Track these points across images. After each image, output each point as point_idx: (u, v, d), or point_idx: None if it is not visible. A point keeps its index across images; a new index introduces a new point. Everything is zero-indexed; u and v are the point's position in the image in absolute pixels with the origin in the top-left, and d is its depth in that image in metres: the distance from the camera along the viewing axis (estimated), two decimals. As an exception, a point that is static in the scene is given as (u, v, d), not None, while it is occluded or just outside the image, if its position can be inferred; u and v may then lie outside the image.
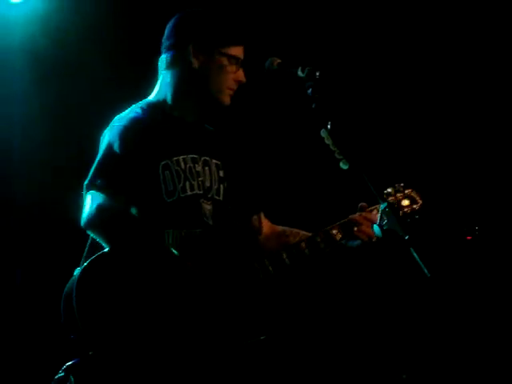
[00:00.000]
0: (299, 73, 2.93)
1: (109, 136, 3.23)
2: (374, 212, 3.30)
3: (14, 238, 5.31)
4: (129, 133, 3.21)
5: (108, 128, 3.28)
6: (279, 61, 3.10)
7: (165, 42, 3.38)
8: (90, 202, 3.12)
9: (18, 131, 5.35)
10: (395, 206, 3.32)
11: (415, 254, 2.65)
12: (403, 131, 5.26)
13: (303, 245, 3.28)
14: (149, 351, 2.98)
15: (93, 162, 3.24)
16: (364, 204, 3.32)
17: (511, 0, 5.14)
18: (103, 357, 2.96)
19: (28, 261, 5.29)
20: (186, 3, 3.45)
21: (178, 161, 3.27)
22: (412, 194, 3.39)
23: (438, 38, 5.26)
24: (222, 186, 3.37)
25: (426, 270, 2.63)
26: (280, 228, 3.54)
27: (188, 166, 3.29)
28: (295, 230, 3.50)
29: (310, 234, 3.38)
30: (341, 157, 2.81)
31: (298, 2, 5.31)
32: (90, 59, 5.23)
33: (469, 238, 3.53)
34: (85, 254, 3.20)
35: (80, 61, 5.25)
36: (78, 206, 3.20)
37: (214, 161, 3.37)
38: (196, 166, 3.31)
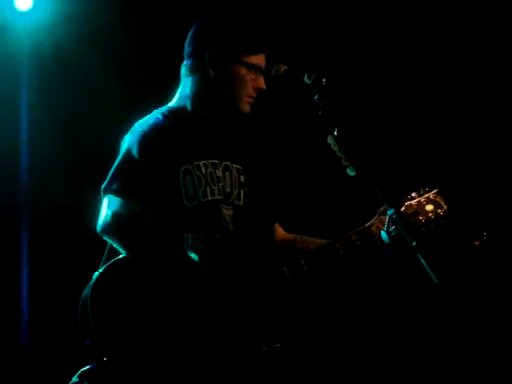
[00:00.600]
0: (305, 79, 2.93)
1: (128, 141, 3.24)
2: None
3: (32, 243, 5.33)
4: (148, 138, 3.22)
5: (128, 133, 3.29)
6: (285, 67, 3.10)
7: (186, 49, 3.39)
8: (106, 207, 3.14)
9: (24, 139, 5.37)
10: (419, 212, 3.31)
11: (423, 260, 2.64)
12: (410, 137, 5.24)
13: (322, 251, 3.29)
14: (164, 358, 2.99)
15: (104, 167, 3.25)
16: (384, 208, 3.27)
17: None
18: (117, 363, 2.97)
19: (45, 266, 5.30)
20: (194, 13, 3.45)
21: (198, 165, 3.27)
22: (437, 199, 3.34)
23: (445, 45, 5.25)
24: (242, 191, 3.37)
25: (434, 277, 2.62)
26: (292, 236, 3.55)
27: (209, 170, 3.29)
28: (305, 237, 3.51)
29: (320, 241, 3.40)
30: (348, 163, 2.81)
31: (303, 8, 5.31)
32: (97, 67, 5.25)
33: (477, 243, 3.50)
34: (104, 258, 3.21)
35: (87, 69, 5.26)
36: (93, 211, 3.21)
37: (234, 166, 3.38)
38: (217, 171, 3.31)
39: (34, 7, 5.30)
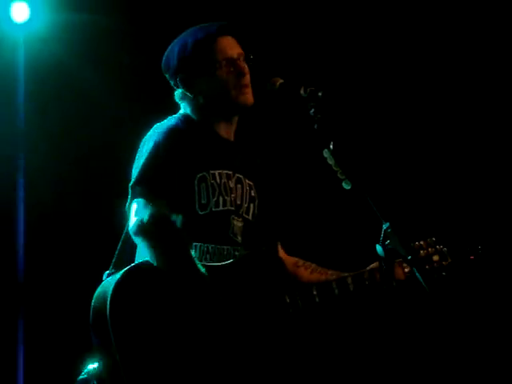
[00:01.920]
0: (301, 93, 2.93)
1: (153, 141, 3.18)
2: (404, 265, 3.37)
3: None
4: (170, 141, 3.19)
5: (149, 134, 3.24)
6: (281, 81, 3.09)
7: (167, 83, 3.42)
8: (138, 209, 3.07)
9: (21, 150, 5.37)
10: (426, 260, 3.41)
11: (418, 274, 2.65)
12: (405, 151, 5.25)
13: (334, 285, 3.30)
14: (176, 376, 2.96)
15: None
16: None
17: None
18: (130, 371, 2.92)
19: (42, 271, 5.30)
20: (190, 25, 3.45)
21: (214, 175, 3.26)
22: (443, 251, 3.46)
23: (440, 63, 5.27)
24: (252, 205, 3.37)
25: (429, 291, 2.62)
26: (293, 259, 3.54)
27: (223, 181, 3.28)
28: (307, 262, 3.51)
29: (323, 270, 3.43)
30: (343, 177, 2.81)
31: (299, 22, 5.33)
32: (92, 78, 5.25)
33: (472, 257, 3.52)
34: (114, 259, 3.20)
35: (83, 80, 5.27)
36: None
37: (247, 181, 3.37)
38: (230, 182, 3.30)
39: (31, 19, 5.32)
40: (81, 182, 5.18)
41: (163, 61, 3.41)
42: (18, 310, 5.28)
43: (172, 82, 3.39)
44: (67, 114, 5.28)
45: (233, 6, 5.03)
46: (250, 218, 3.36)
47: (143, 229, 3.04)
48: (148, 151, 3.17)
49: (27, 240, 5.33)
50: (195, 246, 3.19)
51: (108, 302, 2.93)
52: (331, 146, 2.83)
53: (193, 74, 3.30)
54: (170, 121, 3.30)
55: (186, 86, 3.33)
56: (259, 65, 3.38)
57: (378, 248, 2.83)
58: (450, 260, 3.46)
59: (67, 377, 3.41)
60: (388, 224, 2.75)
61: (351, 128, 4.83)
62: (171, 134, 3.21)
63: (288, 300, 3.19)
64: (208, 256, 3.19)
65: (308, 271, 3.44)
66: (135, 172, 3.15)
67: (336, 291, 3.29)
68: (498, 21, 5.17)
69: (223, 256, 3.23)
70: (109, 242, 3.41)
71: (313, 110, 2.86)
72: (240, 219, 3.31)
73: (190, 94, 3.33)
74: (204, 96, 3.31)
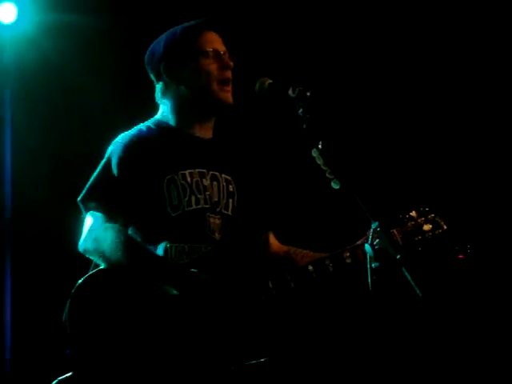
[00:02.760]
0: (290, 93, 2.92)
1: (109, 153, 3.24)
2: None
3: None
4: (128, 150, 3.21)
5: (110, 145, 3.28)
6: (270, 81, 3.09)
7: (152, 79, 3.43)
8: (87, 224, 3.13)
9: (8, 151, 5.35)
10: (415, 231, 3.31)
11: (407, 274, 2.64)
12: (394, 150, 5.26)
13: (310, 268, 3.23)
14: (142, 369, 2.96)
15: (87, 179, 3.24)
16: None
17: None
18: (95, 373, 2.94)
19: (28, 278, 5.28)
20: (177, 24, 3.46)
21: (184, 175, 3.26)
22: (436, 219, 3.35)
23: (432, 63, 5.28)
24: (230, 200, 3.35)
25: (417, 290, 2.62)
26: (286, 247, 3.52)
27: (195, 179, 3.28)
28: (299, 250, 3.48)
29: (314, 254, 3.37)
30: (332, 176, 2.81)
31: (288, 22, 5.33)
32: (81, 79, 5.24)
33: (461, 256, 3.51)
34: (90, 270, 3.17)
35: (71, 81, 5.25)
36: (76, 224, 3.20)
37: (223, 176, 3.36)
38: (204, 180, 3.30)
39: (18, 20, 5.30)
40: (68, 184, 5.15)
41: (147, 53, 3.43)
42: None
43: (153, 74, 3.40)
44: (55, 115, 5.27)
45: (221, 7, 5.03)
46: (230, 213, 3.34)
47: (87, 246, 3.11)
48: (101, 165, 3.23)
49: (14, 242, 5.32)
50: (171, 247, 3.18)
51: (67, 305, 2.99)
52: (320, 146, 2.83)
53: (178, 61, 3.33)
54: (134, 130, 3.31)
55: (170, 74, 3.34)
56: (246, 64, 3.39)
57: (367, 247, 2.83)
58: (445, 227, 3.35)
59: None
60: (377, 223, 2.76)
61: (340, 128, 4.83)
62: (131, 144, 3.23)
63: (260, 287, 3.16)
64: (184, 256, 3.19)
65: (299, 256, 3.41)
66: (87, 185, 3.20)
67: (313, 274, 3.22)
68: (498, 21, 5.18)
69: (200, 255, 3.22)
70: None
71: (301, 109, 2.86)
72: (218, 216, 3.29)
73: (172, 82, 3.33)
74: (186, 85, 3.32)
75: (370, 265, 2.73)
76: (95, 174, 3.22)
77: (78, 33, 5.20)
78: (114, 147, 3.24)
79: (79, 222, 3.20)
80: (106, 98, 5.23)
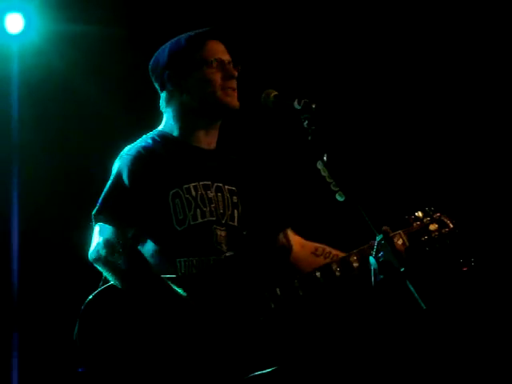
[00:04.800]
0: (295, 105, 2.92)
1: (118, 166, 3.22)
2: (397, 237, 3.26)
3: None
4: (137, 163, 3.20)
5: (117, 158, 3.27)
6: (275, 93, 3.10)
7: (156, 88, 3.43)
8: (97, 235, 3.11)
9: (16, 160, 5.36)
10: (421, 231, 3.30)
11: (411, 287, 2.64)
12: (399, 162, 5.26)
13: (318, 274, 3.22)
14: None
15: (93, 189, 3.24)
16: (386, 228, 3.17)
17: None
18: None
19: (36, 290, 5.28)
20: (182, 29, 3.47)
21: (188, 188, 3.25)
22: (442, 218, 3.32)
23: (435, 71, 5.28)
24: (236, 211, 3.34)
25: (421, 303, 2.62)
26: (312, 245, 3.49)
27: (200, 193, 3.27)
28: (328, 249, 3.45)
29: (341, 253, 3.34)
30: (337, 188, 2.81)
31: (294, 34, 5.34)
32: (87, 89, 5.25)
33: (465, 269, 3.50)
34: (101, 283, 3.18)
35: (77, 91, 5.27)
36: (84, 235, 3.20)
37: (227, 187, 3.35)
38: (208, 192, 3.29)
39: (25, 30, 5.32)
40: (76, 193, 5.17)
41: (152, 61, 3.43)
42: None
43: (157, 84, 3.40)
44: (62, 125, 5.28)
45: (228, 17, 5.05)
46: (236, 223, 3.33)
47: (98, 257, 3.08)
48: (112, 178, 3.22)
49: (21, 251, 5.32)
50: (179, 261, 3.18)
51: (77, 323, 2.99)
52: (325, 158, 2.83)
53: (182, 70, 3.32)
54: (140, 142, 3.31)
55: (174, 83, 3.33)
56: (251, 75, 3.39)
57: (372, 260, 2.83)
58: (451, 226, 3.33)
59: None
60: (381, 236, 2.76)
61: (345, 140, 4.84)
62: (139, 156, 3.23)
63: (268, 294, 3.15)
64: (193, 269, 3.18)
65: (327, 260, 3.37)
66: (99, 199, 3.19)
67: (321, 280, 3.21)
68: (498, 21, 5.18)
69: (209, 267, 3.21)
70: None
71: (307, 121, 2.86)
72: (223, 228, 3.28)
73: (176, 91, 3.33)
74: (191, 94, 3.32)
75: (375, 278, 2.73)
76: (107, 188, 3.21)
77: (84, 43, 5.22)
78: (124, 160, 3.23)
79: (88, 232, 3.20)
80: (113, 107, 5.24)
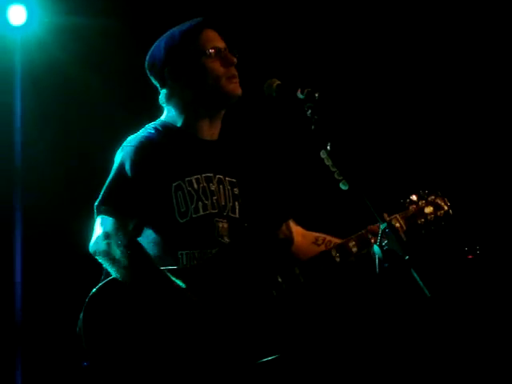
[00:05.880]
0: (298, 94, 2.91)
1: (120, 158, 3.22)
2: (394, 221, 3.28)
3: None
4: (139, 154, 3.20)
5: (119, 149, 3.26)
6: (278, 82, 3.09)
7: (155, 86, 3.42)
8: (99, 227, 3.11)
9: (18, 153, 5.37)
10: (417, 214, 3.32)
11: (416, 275, 2.64)
12: (403, 151, 5.26)
13: (317, 260, 3.25)
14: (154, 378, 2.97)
15: (97, 181, 3.24)
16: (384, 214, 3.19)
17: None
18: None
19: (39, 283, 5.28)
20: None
21: (190, 181, 3.25)
22: (437, 201, 3.36)
23: (438, 62, 5.27)
24: (236, 203, 3.34)
25: (426, 291, 2.62)
26: (313, 235, 3.51)
27: (202, 185, 3.27)
28: (328, 238, 3.46)
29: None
30: (340, 177, 2.81)
31: (295, 23, 5.33)
32: (89, 81, 5.26)
33: (470, 256, 3.50)
34: (103, 276, 3.18)
35: (80, 82, 5.27)
36: (86, 227, 3.20)
37: (227, 178, 3.35)
38: (210, 184, 3.29)
39: (28, 22, 5.32)
40: (78, 186, 5.18)
41: (148, 59, 3.41)
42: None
43: (157, 81, 3.39)
44: (65, 118, 5.29)
45: (227, 7, 5.04)
46: (237, 215, 3.33)
47: (98, 249, 3.09)
48: (114, 169, 3.21)
49: (25, 254, 5.33)
50: (181, 254, 3.18)
51: (81, 316, 3.00)
52: (328, 147, 2.83)
53: (181, 65, 3.31)
54: (143, 132, 3.30)
55: (174, 79, 3.32)
56: (253, 65, 3.38)
57: (376, 248, 2.84)
58: (446, 208, 3.36)
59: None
60: (385, 224, 2.76)
61: (348, 129, 4.83)
62: (142, 147, 3.22)
63: (270, 282, 3.16)
64: (195, 262, 3.18)
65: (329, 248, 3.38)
66: (102, 191, 3.18)
67: (321, 266, 3.25)
68: (498, 21, 5.17)
69: (210, 259, 3.22)
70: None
71: (310, 111, 2.85)
72: (224, 220, 3.29)
73: (178, 86, 3.32)
74: (192, 87, 3.31)
75: (380, 266, 2.73)
76: (109, 180, 3.20)
77: (86, 35, 5.21)
78: (126, 151, 3.22)
79: (89, 224, 3.20)
80: (115, 99, 5.24)
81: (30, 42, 5.33)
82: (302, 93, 2.91)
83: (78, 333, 3.02)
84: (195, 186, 3.26)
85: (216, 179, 3.32)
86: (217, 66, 3.29)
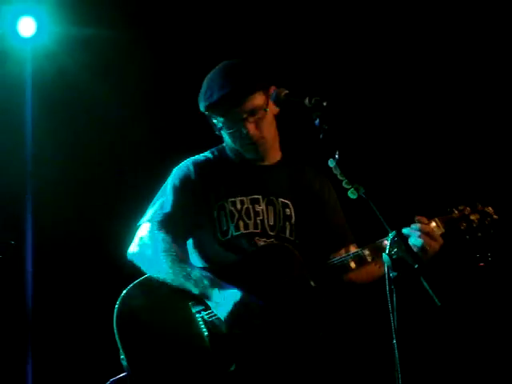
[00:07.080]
0: (306, 103, 2.93)
1: (173, 175, 3.43)
2: (433, 224, 3.28)
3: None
4: (190, 175, 3.40)
5: (176, 167, 3.46)
6: (286, 91, 3.11)
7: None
8: (141, 235, 3.31)
9: (29, 163, 5.39)
10: (460, 219, 3.33)
11: (425, 283, 2.63)
12: (410, 159, 5.24)
13: (333, 268, 3.30)
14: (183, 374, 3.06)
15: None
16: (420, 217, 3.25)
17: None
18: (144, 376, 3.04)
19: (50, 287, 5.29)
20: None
21: (234, 202, 3.39)
22: (485, 209, 3.38)
23: (442, 69, 5.26)
24: (287, 223, 3.42)
25: (436, 299, 2.61)
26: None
27: (245, 206, 3.39)
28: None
29: None
30: (349, 186, 2.81)
31: (304, 32, 5.33)
32: (99, 92, 5.27)
33: (481, 264, 3.49)
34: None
35: (90, 93, 5.28)
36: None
37: (280, 200, 3.44)
38: (256, 205, 3.41)
39: (37, 33, 5.34)
40: (88, 194, 5.18)
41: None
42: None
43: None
44: (75, 128, 5.30)
45: (235, 21, 5.06)
46: (287, 235, 3.41)
47: (137, 257, 3.29)
48: (166, 185, 3.41)
49: (35, 260, 5.34)
50: None
51: (115, 311, 3.12)
52: (337, 156, 2.83)
53: (214, 125, 3.47)
54: (201, 156, 3.49)
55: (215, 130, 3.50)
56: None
57: (385, 257, 2.83)
58: (495, 217, 3.36)
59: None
60: (394, 233, 2.75)
61: (357, 138, 4.83)
62: (194, 169, 3.41)
63: (313, 284, 3.24)
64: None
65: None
66: (150, 208, 3.38)
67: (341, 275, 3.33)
68: (498, 21, 5.15)
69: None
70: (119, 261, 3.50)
71: (318, 120, 2.87)
72: (264, 239, 3.37)
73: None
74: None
75: (388, 275, 2.72)
76: (159, 194, 3.41)
77: (96, 46, 5.23)
78: (179, 170, 3.43)
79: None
80: (124, 110, 5.26)
81: (40, 53, 5.35)
82: (309, 102, 2.92)
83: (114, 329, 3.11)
84: (238, 206, 3.38)
85: (264, 201, 3.42)
86: (232, 138, 3.42)
